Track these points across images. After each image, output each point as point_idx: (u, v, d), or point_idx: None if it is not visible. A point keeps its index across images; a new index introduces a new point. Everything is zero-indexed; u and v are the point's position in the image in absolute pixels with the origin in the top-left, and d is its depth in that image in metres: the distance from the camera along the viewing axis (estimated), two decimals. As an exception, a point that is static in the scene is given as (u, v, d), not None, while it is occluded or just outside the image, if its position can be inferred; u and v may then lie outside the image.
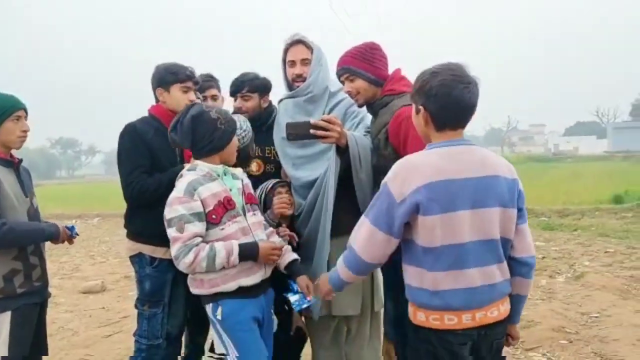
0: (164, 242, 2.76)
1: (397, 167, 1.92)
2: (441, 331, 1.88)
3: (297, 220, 2.93)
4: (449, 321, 1.87)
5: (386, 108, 2.64)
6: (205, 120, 2.37)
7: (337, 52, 2.76)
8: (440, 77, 1.87)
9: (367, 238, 1.93)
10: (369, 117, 2.89)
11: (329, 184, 2.70)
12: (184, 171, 2.42)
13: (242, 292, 2.38)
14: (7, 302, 2.55)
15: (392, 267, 2.17)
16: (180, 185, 2.34)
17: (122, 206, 2.97)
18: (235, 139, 2.49)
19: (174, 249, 2.30)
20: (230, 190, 2.41)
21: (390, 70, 2.75)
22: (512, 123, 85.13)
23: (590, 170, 25.28)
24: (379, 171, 2.67)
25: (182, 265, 2.30)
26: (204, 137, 2.37)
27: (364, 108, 2.89)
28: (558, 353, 4.03)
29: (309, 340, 3.20)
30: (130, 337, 4.68)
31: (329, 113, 2.91)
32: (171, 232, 2.30)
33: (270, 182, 2.95)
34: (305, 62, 2.97)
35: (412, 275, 1.94)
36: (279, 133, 3.05)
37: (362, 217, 1.99)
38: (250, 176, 2.81)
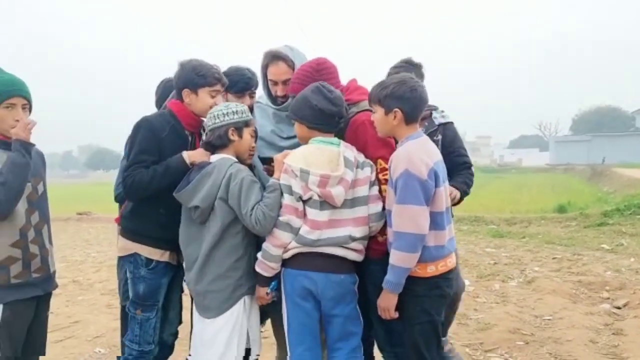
0: (162, 244, 2.70)
1: (406, 155, 2.32)
2: (445, 273, 2.42)
3: None
4: (450, 263, 2.45)
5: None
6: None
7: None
8: (409, 85, 2.38)
9: (415, 216, 2.27)
10: None
11: None
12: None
13: None
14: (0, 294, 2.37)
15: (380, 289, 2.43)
16: None
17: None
18: None
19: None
20: None
21: (345, 80, 2.80)
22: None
23: (533, 181, 26.21)
24: None
25: None
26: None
27: None
28: (515, 354, 4.14)
29: None
30: (83, 343, 4.57)
31: None
32: None
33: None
34: (287, 82, 2.85)
35: (428, 237, 2.33)
36: (264, 127, 3.00)
37: (396, 206, 2.30)
38: None
